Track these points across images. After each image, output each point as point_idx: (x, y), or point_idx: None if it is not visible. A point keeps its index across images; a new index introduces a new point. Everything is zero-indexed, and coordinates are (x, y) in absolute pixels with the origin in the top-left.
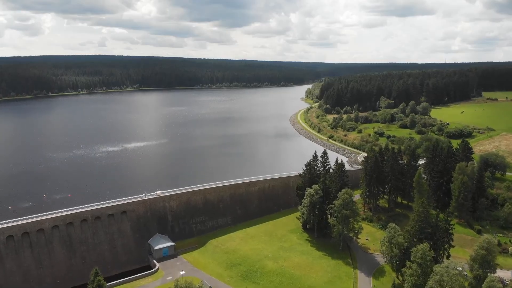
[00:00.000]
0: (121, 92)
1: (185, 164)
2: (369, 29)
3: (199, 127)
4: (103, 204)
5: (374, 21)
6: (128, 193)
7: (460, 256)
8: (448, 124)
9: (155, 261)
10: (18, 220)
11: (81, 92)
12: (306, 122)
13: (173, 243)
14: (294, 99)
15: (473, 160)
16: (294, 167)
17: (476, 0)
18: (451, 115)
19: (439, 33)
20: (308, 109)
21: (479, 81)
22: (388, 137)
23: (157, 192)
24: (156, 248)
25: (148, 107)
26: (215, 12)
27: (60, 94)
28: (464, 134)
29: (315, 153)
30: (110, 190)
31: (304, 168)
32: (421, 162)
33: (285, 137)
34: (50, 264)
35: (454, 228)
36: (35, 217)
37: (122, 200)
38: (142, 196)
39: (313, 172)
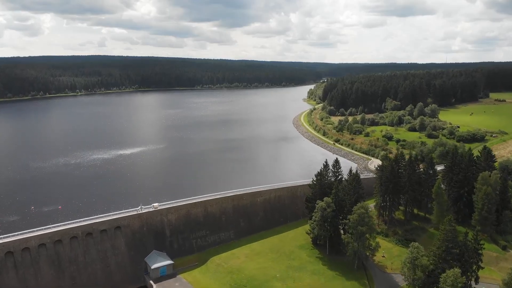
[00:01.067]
0: (120, 93)
1: (184, 172)
2: (369, 29)
3: (199, 131)
4: (95, 218)
5: (374, 21)
6: (122, 206)
7: (487, 275)
8: (458, 127)
9: (151, 282)
10: (1, 238)
11: (79, 93)
12: (310, 125)
13: (171, 261)
14: (296, 100)
15: (496, 169)
16: (301, 174)
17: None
18: (460, 118)
19: (439, 33)
20: (311, 111)
21: (485, 82)
22: (398, 141)
23: (154, 204)
24: (153, 267)
25: (146, 109)
26: (214, 12)
27: (57, 95)
28: (476, 138)
29: (326, 161)
30: (103, 202)
31: (314, 178)
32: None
33: (289, 141)
34: (37, 285)
35: (484, 248)
36: (20, 234)
37: (115, 214)
38: (138, 209)
39: (324, 182)
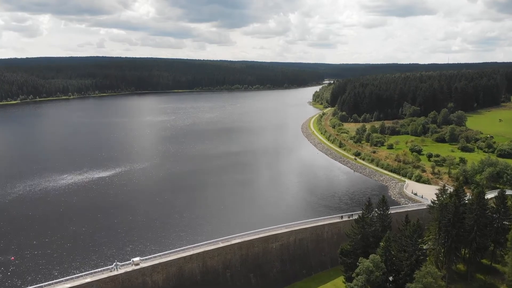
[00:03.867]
0: (115, 96)
1: (173, 207)
2: (369, 29)
3: (194, 143)
4: (50, 285)
5: (374, 21)
6: (90, 263)
7: None
8: (492, 137)
9: None
10: None
11: (71, 97)
12: (322, 133)
13: None
14: (301, 104)
15: None
16: (324, 204)
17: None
18: (488, 125)
19: (439, 33)
20: (320, 116)
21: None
22: (429, 156)
23: (134, 259)
24: None
25: (137, 115)
26: (213, 13)
27: (48, 99)
28: None
29: (368, 200)
30: (63, 256)
31: (349, 218)
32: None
33: (300, 155)
34: None
35: None
36: None
37: (79, 277)
38: (112, 268)
39: (368, 231)
